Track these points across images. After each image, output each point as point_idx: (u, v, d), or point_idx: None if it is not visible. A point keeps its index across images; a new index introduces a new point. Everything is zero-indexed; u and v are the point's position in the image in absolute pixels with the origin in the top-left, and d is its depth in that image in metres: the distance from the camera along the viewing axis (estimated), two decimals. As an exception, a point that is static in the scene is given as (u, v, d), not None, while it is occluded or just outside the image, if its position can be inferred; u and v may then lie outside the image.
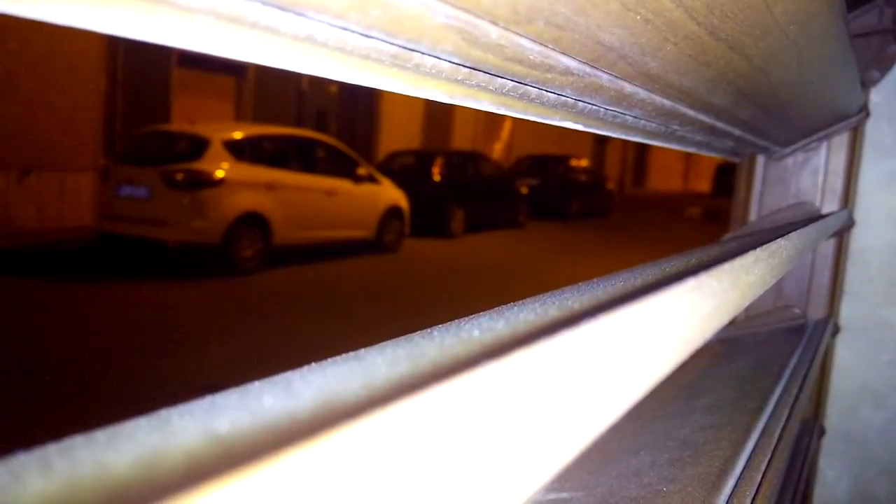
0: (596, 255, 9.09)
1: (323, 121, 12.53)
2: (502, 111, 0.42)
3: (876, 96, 1.30)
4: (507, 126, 17.70)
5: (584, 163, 15.56)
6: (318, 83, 11.97)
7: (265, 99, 11.47)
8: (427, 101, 0.48)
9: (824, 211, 1.29)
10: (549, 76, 0.39)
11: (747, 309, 1.34)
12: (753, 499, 0.60)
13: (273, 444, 0.15)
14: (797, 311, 1.34)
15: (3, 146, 7.80)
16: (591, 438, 0.23)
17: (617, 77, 0.44)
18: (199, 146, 6.84)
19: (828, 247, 1.33)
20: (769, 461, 0.68)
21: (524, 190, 12.14)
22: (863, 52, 1.23)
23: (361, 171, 8.42)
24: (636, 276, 0.45)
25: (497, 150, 17.16)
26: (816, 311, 1.34)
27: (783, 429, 0.78)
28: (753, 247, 0.46)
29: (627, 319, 0.25)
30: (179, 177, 6.66)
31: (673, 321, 0.29)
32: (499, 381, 0.19)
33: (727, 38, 0.48)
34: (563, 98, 0.44)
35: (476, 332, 0.29)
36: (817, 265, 1.34)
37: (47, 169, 8.38)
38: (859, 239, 1.35)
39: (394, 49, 0.30)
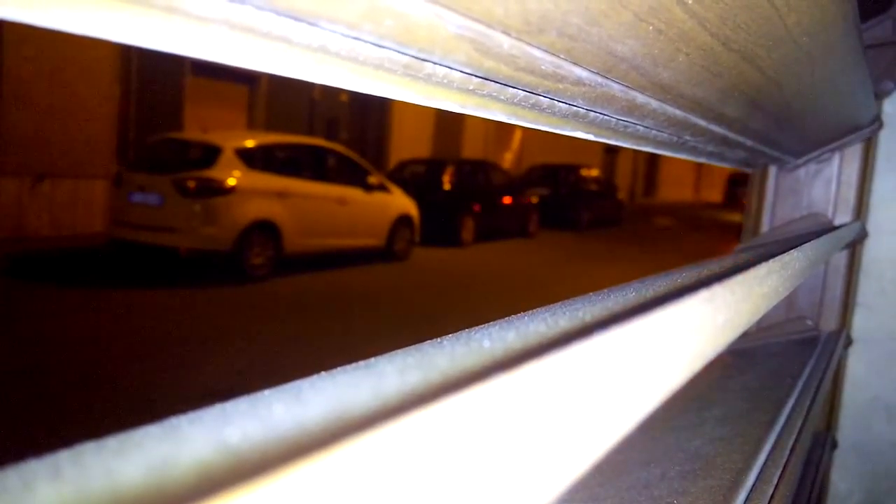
0: (606, 266, 9.07)
1: (334, 129, 12.57)
2: (514, 121, 0.42)
3: (889, 107, 1.29)
4: (517, 135, 17.71)
5: (594, 172, 15.53)
6: (330, 92, 12.02)
7: (277, 108, 11.53)
8: (438, 110, 0.48)
9: (837, 222, 1.29)
10: (560, 86, 0.39)
11: (759, 320, 1.32)
12: (765, 512, 0.60)
13: (283, 453, 0.15)
14: (810, 322, 1.33)
15: (16, 153, 7.88)
16: (603, 451, 0.23)
17: (629, 87, 0.44)
18: (211, 154, 6.89)
19: (840, 258, 1.32)
20: (781, 474, 0.68)
21: (534, 199, 12.13)
22: (876, 63, 1.22)
23: (372, 179, 8.44)
24: (648, 286, 0.45)
25: (507, 160, 17.17)
26: (829, 323, 1.33)
27: (795, 441, 0.77)
28: (766, 258, 0.46)
29: (639, 331, 0.25)
30: (191, 184, 6.70)
31: (685, 333, 0.29)
32: (509, 392, 0.18)
33: (740, 49, 0.48)
34: (575, 108, 0.44)
35: (486, 343, 0.29)
36: (830, 277, 1.33)
37: (60, 175, 8.45)
38: (872, 250, 1.34)
39: (406, 59, 0.30)
